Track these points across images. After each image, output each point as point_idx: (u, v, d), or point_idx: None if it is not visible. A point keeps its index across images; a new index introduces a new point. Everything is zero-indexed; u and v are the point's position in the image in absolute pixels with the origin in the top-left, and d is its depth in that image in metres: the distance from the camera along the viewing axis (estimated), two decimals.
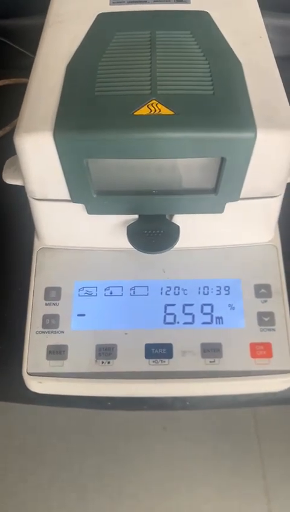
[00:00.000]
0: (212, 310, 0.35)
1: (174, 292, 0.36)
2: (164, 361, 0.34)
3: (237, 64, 0.32)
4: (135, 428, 0.91)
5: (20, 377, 0.34)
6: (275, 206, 0.34)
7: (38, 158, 0.30)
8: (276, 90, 0.31)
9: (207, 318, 0.35)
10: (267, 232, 0.37)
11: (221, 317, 0.35)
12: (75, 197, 0.32)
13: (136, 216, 0.34)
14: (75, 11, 0.37)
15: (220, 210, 0.33)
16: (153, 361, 0.34)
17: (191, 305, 0.36)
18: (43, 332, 0.35)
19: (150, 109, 0.28)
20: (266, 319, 0.35)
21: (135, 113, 0.28)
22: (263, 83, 0.31)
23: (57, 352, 0.34)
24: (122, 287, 0.36)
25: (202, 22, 0.35)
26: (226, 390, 0.35)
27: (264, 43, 0.34)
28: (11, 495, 0.85)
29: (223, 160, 0.29)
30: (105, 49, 0.33)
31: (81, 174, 0.30)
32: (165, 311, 0.35)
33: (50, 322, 0.35)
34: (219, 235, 0.36)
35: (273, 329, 0.35)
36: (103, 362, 0.34)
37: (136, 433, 0.90)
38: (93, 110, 0.29)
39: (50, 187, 0.32)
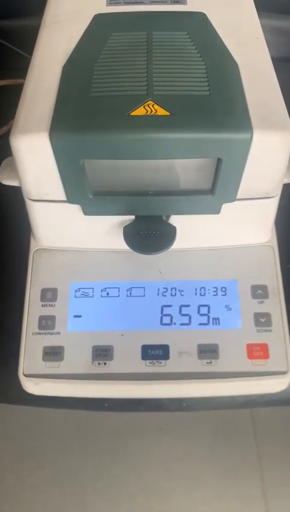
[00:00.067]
0: (209, 311, 0.35)
1: (171, 293, 0.36)
2: (161, 363, 0.34)
3: (234, 65, 0.32)
4: (132, 430, 0.91)
5: (16, 379, 0.34)
6: (271, 206, 0.34)
7: (35, 159, 0.30)
8: (272, 91, 0.31)
9: (204, 319, 0.35)
10: (264, 233, 0.37)
11: (218, 318, 0.35)
12: (71, 198, 0.32)
13: (133, 217, 0.34)
14: (71, 11, 0.37)
15: (217, 211, 0.33)
16: (150, 363, 0.34)
17: (188, 306, 0.36)
18: (39, 333, 0.35)
19: (146, 110, 0.28)
20: (262, 320, 0.35)
21: (131, 114, 0.28)
22: (260, 83, 0.31)
23: (53, 353, 0.34)
24: (118, 288, 0.36)
25: (198, 23, 0.35)
26: (223, 392, 0.35)
27: (261, 44, 0.34)
28: (9, 497, 0.85)
29: (219, 161, 0.29)
30: (101, 50, 0.33)
31: (77, 175, 0.30)
32: (161, 312, 0.35)
33: (46, 323, 0.35)
34: (216, 235, 0.36)
35: (270, 330, 0.35)
36: (99, 363, 0.34)
37: (134, 434, 0.90)
38: (90, 111, 0.29)
39: (46, 188, 0.32)
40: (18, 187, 0.33)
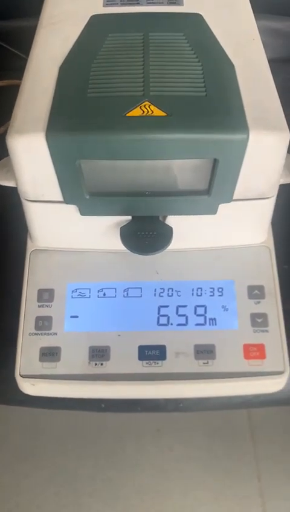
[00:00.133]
0: (205, 312, 0.35)
1: (168, 294, 0.36)
2: (157, 363, 0.34)
3: (230, 66, 0.32)
4: (129, 431, 0.90)
5: (13, 379, 0.34)
6: (268, 207, 0.34)
7: (31, 159, 0.29)
8: (268, 92, 0.31)
9: (200, 319, 0.35)
10: (261, 234, 0.37)
11: (214, 319, 0.35)
12: (67, 198, 0.32)
13: (129, 217, 0.34)
14: (68, 12, 0.37)
15: (213, 211, 0.33)
16: (147, 363, 0.34)
17: (185, 306, 0.36)
18: (36, 334, 0.35)
19: (142, 110, 0.28)
20: (259, 320, 0.35)
21: (127, 115, 0.28)
22: (256, 84, 0.31)
23: (50, 354, 0.34)
24: (115, 288, 0.36)
25: (195, 24, 0.35)
26: (220, 392, 0.35)
27: (257, 45, 0.34)
28: (5, 498, 0.85)
29: (215, 161, 0.29)
30: (98, 51, 0.33)
31: (73, 176, 0.30)
32: (158, 313, 0.35)
33: (43, 324, 0.35)
34: (212, 236, 0.36)
35: (267, 331, 0.35)
36: (96, 364, 0.34)
37: (131, 435, 0.90)
38: (86, 112, 0.29)
39: (43, 188, 0.32)
40: (14, 188, 0.33)
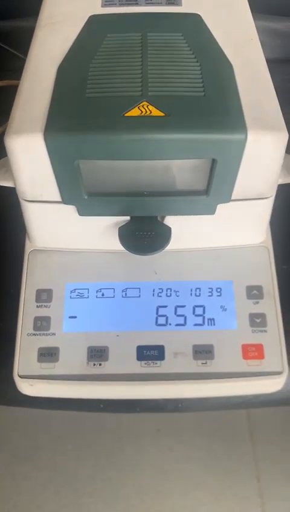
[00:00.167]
0: (204, 312, 0.35)
1: (166, 294, 0.36)
2: (156, 363, 0.34)
3: (228, 66, 0.32)
4: (129, 431, 0.90)
5: (11, 380, 0.34)
6: (266, 207, 0.34)
7: (29, 159, 0.29)
8: (267, 92, 0.31)
9: (199, 320, 0.35)
10: (259, 234, 0.37)
11: (213, 319, 0.35)
12: (66, 199, 0.32)
13: (128, 218, 0.34)
14: (66, 12, 0.37)
15: (212, 211, 0.33)
16: (145, 363, 0.34)
17: (183, 306, 0.36)
18: (34, 334, 0.35)
19: (140, 111, 0.28)
20: (257, 321, 0.35)
21: (125, 115, 0.28)
22: (254, 85, 0.31)
23: (48, 354, 0.34)
24: (114, 288, 0.36)
25: (193, 24, 0.35)
26: (218, 392, 0.35)
27: (255, 46, 0.34)
28: (4, 499, 0.85)
29: (214, 161, 0.29)
30: (96, 51, 0.33)
31: (72, 176, 0.30)
32: (157, 313, 0.35)
33: (41, 324, 0.35)
34: (211, 236, 0.36)
35: (265, 331, 0.35)
36: (94, 364, 0.34)
37: (130, 435, 0.90)
38: (84, 112, 0.29)
39: (41, 188, 0.32)
40: (13, 188, 0.33)
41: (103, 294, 0.36)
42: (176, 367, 0.34)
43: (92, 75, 0.31)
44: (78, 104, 0.29)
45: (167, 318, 0.35)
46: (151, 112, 0.28)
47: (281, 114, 0.29)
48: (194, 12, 0.36)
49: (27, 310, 0.36)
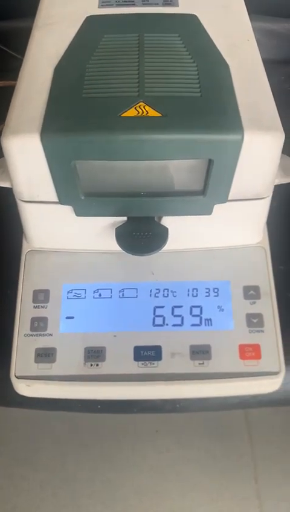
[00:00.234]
0: (201, 312, 0.35)
1: (163, 294, 0.36)
2: (153, 364, 0.34)
3: (225, 66, 0.32)
4: (127, 432, 0.90)
5: (8, 381, 0.34)
6: (263, 208, 0.34)
7: (26, 160, 0.29)
8: (263, 92, 0.31)
9: (196, 320, 0.35)
10: (256, 234, 0.37)
11: (210, 319, 0.35)
12: (63, 199, 0.32)
13: (125, 218, 0.34)
14: (63, 13, 0.37)
15: (209, 212, 0.33)
16: (142, 364, 0.34)
17: (180, 307, 0.36)
18: (31, 335, 0.35)
19: (137, 111, 0.28)
20: (254, 321, 0.35)
21: (122, 115, 0.28)
22: (250, 85, 0.31)
23: (45, 355, 0.34)
24: (111, 289, 0.36)
25: (190, 25, 0.35)
26: (216, 392, 0.35)
27: (252, 46, 0.34)
28: (3, 500, 0.85)
29: (210, 162, 0.29)
30: (93, 52, 0.33)
31: (68, 176, 0.30)
32: (154, 314, 0.35)
33: (38, 325, 0.35)
34: (208, 236, 0.36)
35: (262, 331, 0.35)
36: (91, 365, 0.34)
37: (129, 436, 0.90)
38: (81, 112, 0.29)
39: (38, 189, 0.32)
40: (10, 188, 0.33)
41: (100, 295, 0.36)
42: (173, 367, 0.34)
43: (88, 75, 0.31)
44: (75, 104, 0.29)
45: (164, 318, 0.35)
46: (148, 113, 0.28)
47: (277, 114, 0.29)
48: (190, 13, 0.36)
49: (24, 310, 0.35)
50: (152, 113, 0.28)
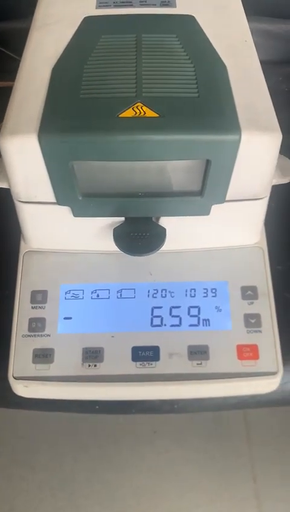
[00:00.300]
0: (199, 312, 0.35)
1: (161, 295, 0.36)
2: (151, 364, 0.34)
3: (222, 67, 0.32)
4: (125, 433, 0.90)
5: (6, 381, 0.34)
6: (260, 208, 0.34)
7: (24, 160, 0.29)
8: (260, 93, 0.31)
9: (194, 320, 0.35)
10: (254, 234, 0.37)
11: (208, 320, 0.35)
12: (60, 200, 0.32)
13: (123, 218, 0.34)
14: (61, 14, 0.37)
15: (206, 212, 0.33)
16: (140, 364, 0.34)
17: (178, 307, 0.36)
18: (29, 335, 0.35)
19: (135, 111, 0.28)
20: (252, 321, 0.35)
21: (119, 116, 0.28)
22: (248, 86, 0.31)
23: (43, 355, 0.34)
24: (109, 289, 0.36)
25: (187, 26, 0.35)
26: (214, 393, 0.35)
27: (249, 47, 0.34)
28: (1, 502, 0.84)
29: (208, 162, 0.29)
30: (91, 52, 0.33)
31: (66, 177, 0.30)
32: (152, 314, 0.35)
33: (36, 326, 0.35)
34: (206, 237, 0.37)
35: (260, 331, 0.35)
36: (89, 365, 0.34)
37: (127, 437, 0.90)
38: (79, 113, 0.29)
39: (35, 189, 0.32)
40: (7, 189, 0.33)
41: (98, 295, 0.36)
42: (171, 368, 0.34)
43: (86, 76, 0.31)
44: (72, 105, 0.29)
45: (162, 319, 0.35)
46: (145, 113, 0.28)
47: (274, 115, 0.30)
48: (188, 14, 0.37)
49: (22, 311, 0.35)
50: (150, 113, 0.28)
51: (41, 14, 0.38)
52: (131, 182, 0.32)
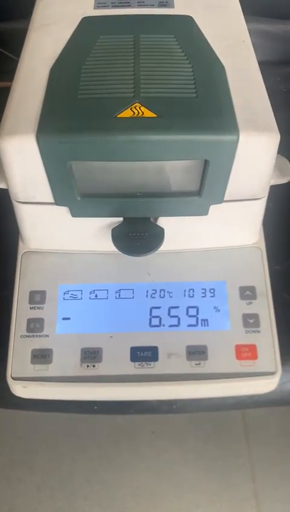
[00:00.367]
0: (197, 313, 0.35)
1: (160, 295, 0.36)
2: (150, 364, 0.34)
3: (220, 67, 0.32)
4: (124, 433, 0.90)
5: (4, 382, 0.34)
6: (259, 208, 0.34)
7: (22, 161, 0.29)
8: (258, 93, 0.31)
9: (192, 320, 0.35)
10: (252, 234, 0.37)
11: (206, 320, 0.35)
12: (59, 200, 0.32)
13: (121, 219, 0.34)
14: (59, 14, 0.37)
15: (205, 212, 0.33)
16: (139, 365, 0.34)
17: (177, 307, 0.36)
18: (27, 336, 0.35)
19: (133, 112, 0.28)
20: (251, 321, 0.35)
21: (118, 116, 0.28)
22: (246, 86, 0.31)
23: (41, 356, 0.34)
24: (107, 290, 0.36)
25: (185, 26, 0.35)
26: (212, 393, 0.35)
27: (247, 47, 0.34)
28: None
29: (206, 162, 0.29)
30: (89, 53, 0.33)
31: (64, 177, 0.30)
32: (150, 314, 0.35)
33: (35, 326, 0.35)
34: (204, 237, 0.37)
35: (258, 331, 0.35)
36: (88, 366, 0.34)
37: (125, 437, 0.90)
38: (77, 113, 0.29)
39: (34, 190, 0.32)
40: (5, 189, 0.33)
41: (96, 296, 0.36)
42: (169, 368, 0.34)
43: (84, 76, 0.31)
44: (70, 105, 0.29)
45: (160, 319, 0.35)
46: (143, 113, 0.28)
47: (272, 115, 0.30)
48: (186, 14, 0.37)
49: (20, 311, 0.35)
50: (148, 113, 0.28)
51: (39, 14, 0.38)
52: (129, 182, 0.32)
